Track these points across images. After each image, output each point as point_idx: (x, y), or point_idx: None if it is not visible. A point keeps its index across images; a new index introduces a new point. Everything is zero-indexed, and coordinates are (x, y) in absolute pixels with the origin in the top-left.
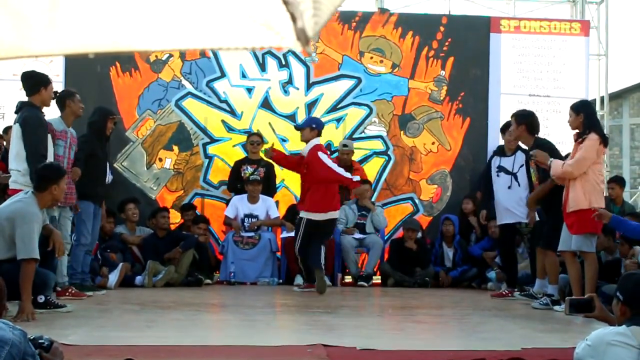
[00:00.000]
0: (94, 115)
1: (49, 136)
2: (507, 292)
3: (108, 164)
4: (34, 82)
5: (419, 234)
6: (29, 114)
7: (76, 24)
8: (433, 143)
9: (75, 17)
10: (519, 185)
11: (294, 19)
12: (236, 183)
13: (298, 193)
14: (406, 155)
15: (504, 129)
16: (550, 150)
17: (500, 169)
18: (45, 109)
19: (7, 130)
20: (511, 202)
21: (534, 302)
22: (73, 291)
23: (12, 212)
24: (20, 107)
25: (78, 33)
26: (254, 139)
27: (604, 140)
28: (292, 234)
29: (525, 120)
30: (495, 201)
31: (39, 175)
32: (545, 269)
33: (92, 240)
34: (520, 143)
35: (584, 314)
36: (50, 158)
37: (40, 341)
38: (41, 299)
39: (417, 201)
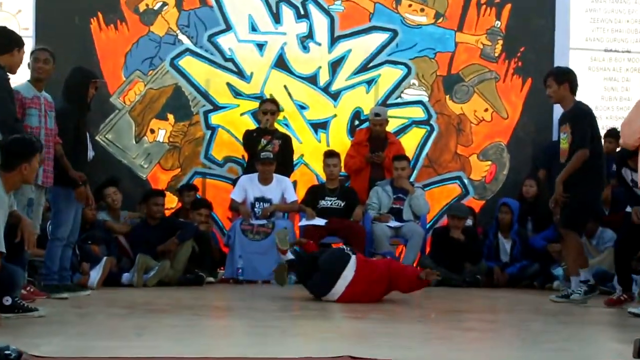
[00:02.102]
0: (72, 78)
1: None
2: (624, 297)
3: (89, 137)
4: (8, 40)
5: (468, 222)
6: None
7: None
8: (486, 110)
9: None
10: None
11: None
12: (255, 150)
13: (320, 170)
14: (453, 125)
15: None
16: (591, 119)
17: None
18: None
19: None
20: None
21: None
22: (32, 290)
23: None
24: None
25: None
26: (266, 107)
27: None
28: (313, 221)
29: (568, 78)
30: None
31: (6, 150)
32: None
33: (73, 232)
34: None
35: None
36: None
37: (6, 352)
38: (7, 301)
39: (466, 181)
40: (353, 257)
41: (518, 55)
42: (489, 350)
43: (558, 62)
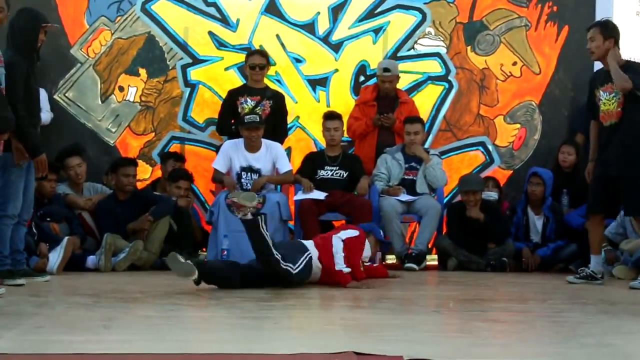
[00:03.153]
0: (18, 21)
1: None
2: None
3: (47, 96)
4: None
5: (492, 195)
6: None
7: None
8: (514, 64)
9: None
10: None
11: None
12: (230, 122)
13: (318, 135)
14: (475, 81)
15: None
16: None
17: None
18: None
19: None
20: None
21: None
22: None
23: None
24: None
25: None
26: (255, 60)
27: None
28: (311, 195)
29: (615, 33)
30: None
31: None
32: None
33: (27, 208)
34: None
35: None
36: None
37: None
38: None
39: (490, 148)
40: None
41: None
42: (518, 346)
43: (600, 7)
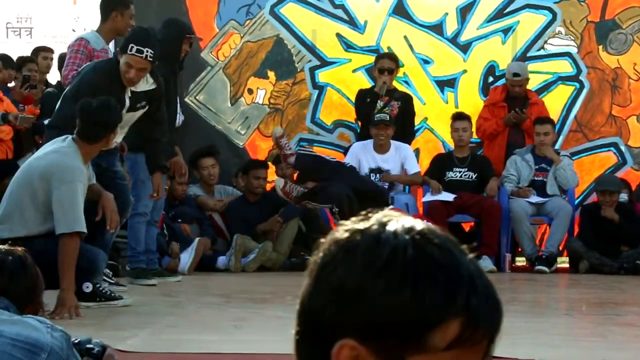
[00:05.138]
0: (165, 32)
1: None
2: None
3: (178, 99)
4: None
5: (623, 197)
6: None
7: None
8: None
9: None
10: None
11: None
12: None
13: (447, 136)
14: (607, 81)
15: None
16: None
17: None
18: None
19: (39, 52)
20: None
21: None
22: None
23: (46, 167)
24: None
25: None
26: (383, 64)
27: None
28: (440, 196)
29: None
30: None
31: (91, 119)
32: None
33: (157, 209)
34: None
35: None
36: None
37: (88, 346)
38: (88, 287)
39: (623, 149)
40: None
41: None
42: None
43: None
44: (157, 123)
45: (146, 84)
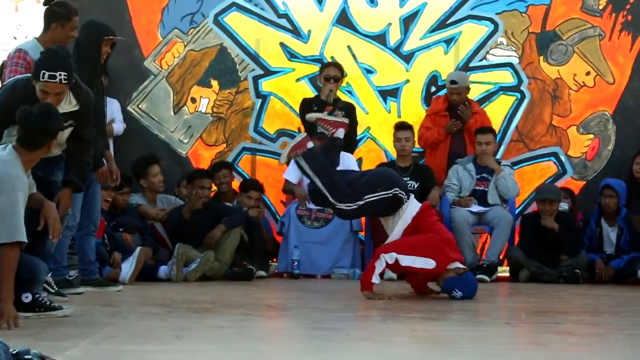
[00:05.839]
0: (83, 33)
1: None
2: None
3: (120, 107)
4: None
5: (564, 206)
6: None
7: None
8: (588, 74)
9: None
10: None
11: None
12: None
13: (389, 146)
14: (548, 91)
15: None
16: None
17: None
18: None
19: None
20: None
21: None
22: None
23: None
24: None
25: None
26: (329, 72)
27: None
28: None
29: None
30: None
31: (32, 126)
32: None
33: (93, 219)
34: None
35: None
36: None
37: (26, 357)
38: (27, 297)
39: (563, 158)
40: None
41: (627, 8)
42: (592, 359)
43: None
44: (81, 140)
45: (69, 105)
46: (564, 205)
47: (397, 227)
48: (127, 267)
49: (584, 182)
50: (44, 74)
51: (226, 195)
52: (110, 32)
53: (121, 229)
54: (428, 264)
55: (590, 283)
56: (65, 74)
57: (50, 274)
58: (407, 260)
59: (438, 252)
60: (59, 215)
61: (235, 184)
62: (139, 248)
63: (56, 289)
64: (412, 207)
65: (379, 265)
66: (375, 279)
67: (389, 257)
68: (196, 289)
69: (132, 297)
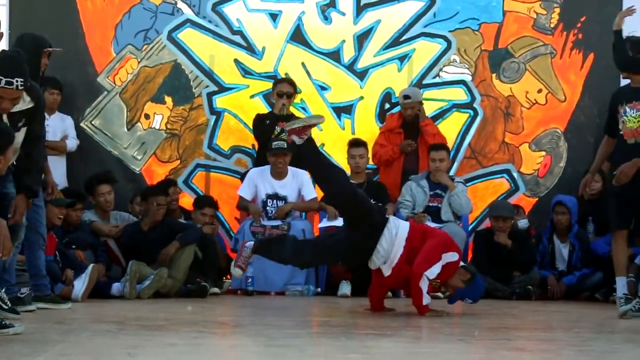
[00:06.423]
0: (20, 46)
1: None
2: None
3: (73, 124)
4: None
5: (523, 223)
6: None
7: None
8: (539, 91)
9: None
10: None
11: None
12: (267, 138)
13: (343, 162)
14: (500, 109)
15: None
16: None
17: None
18: None
19: None
20: None
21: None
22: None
23: None
24: None
25: None
26: (282, 89)
27: None
28: (336, 222)
29: None
30: None
31: None
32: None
33: (42, 231)
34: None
35: None
36: None
37: None
38: None
39: (515, 175)
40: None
41: (578, 26)
42: None
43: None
44: (36, 138)
45: (23, 102)
46: (524, 224)
47: (394, 248)
48: (80, 284)
49: (536, 199)
50: (0, 80)
51: (174, 214)
52: (48, 44)
53: (74, 246)
54: (453, 257)
55: (543, 299)
56: (22, 80)
57: (3, 290)
58: (438, 267)
59: (452, 245)
60: (16, 221)
61: (189, 200)
62: (91, 265)
63: (9, 305)
64: (402, 229)
65: (424, 285)
66: (426, 300)
67: (430, 273)
68: (149, 306)
69: (84, 315)
